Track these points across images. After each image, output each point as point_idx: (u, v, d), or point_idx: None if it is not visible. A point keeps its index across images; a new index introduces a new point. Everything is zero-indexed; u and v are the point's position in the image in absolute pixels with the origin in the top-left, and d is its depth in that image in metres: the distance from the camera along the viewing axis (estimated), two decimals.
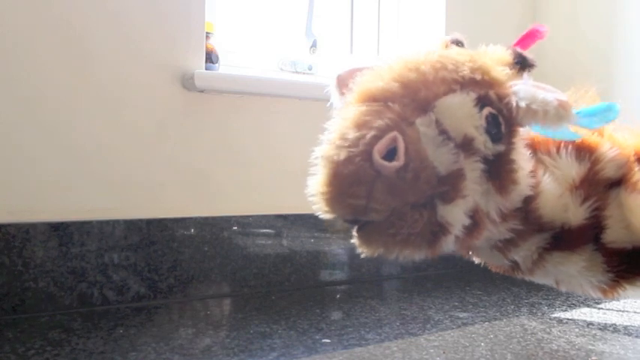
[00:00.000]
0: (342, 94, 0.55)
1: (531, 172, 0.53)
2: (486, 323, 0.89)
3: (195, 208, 1.06)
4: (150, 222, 1.01)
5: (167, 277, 1.02)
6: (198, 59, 1.07)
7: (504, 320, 0.91)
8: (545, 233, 0.55)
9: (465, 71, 0.50)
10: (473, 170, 0.48)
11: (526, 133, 0.54)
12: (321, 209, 0.47)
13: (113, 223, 0.98)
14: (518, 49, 0.55)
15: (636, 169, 0.57)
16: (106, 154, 0.99)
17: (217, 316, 0.97)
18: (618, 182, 0.56)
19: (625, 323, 0.90)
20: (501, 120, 0.49)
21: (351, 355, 0.74)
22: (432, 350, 0.76)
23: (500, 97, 0.50)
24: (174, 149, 1.05)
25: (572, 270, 0.56)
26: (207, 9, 1.09)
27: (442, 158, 0.46)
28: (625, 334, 0.85)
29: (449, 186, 0.47)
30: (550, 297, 1.08)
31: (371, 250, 0.49)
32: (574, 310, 0.98)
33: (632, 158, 0.58)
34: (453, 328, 0.87)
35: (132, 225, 0.99)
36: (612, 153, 0.57)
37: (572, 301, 1.05)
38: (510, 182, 0.50)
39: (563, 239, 0.55)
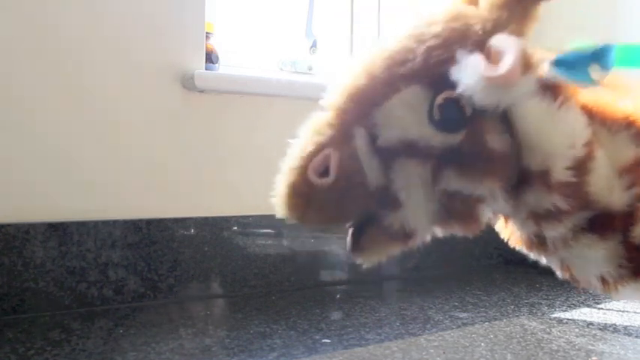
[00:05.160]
0: None
1: (588, 143, 0.49)
2: (486, 323, 0.89)
3: (195, 208, 1.06)
4: (150, 222, 1.01)
5: (167, 277, 1.02)
6: (198, 59, 1.07)
7: (504, 320, 0.91)
8: (586, 213, 0.53)
9: (417, 59, 0.47)
10: (416, 173, 0.48)
11: (582, 92, 0.50)
12: (276, 210, 0.52)
13: (113, 223, 0.98)
14: None
15: None
16: (105, 154, 0.99)
17: (217, 316, 0.97)
18: None
19: (625, 323, 0.90)
20: (462, 102, 0.46)
21: (351, 355, 0.74)
22: (432, 350, 0.76)
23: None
24: (174, 149, 1.05)
25: (596, 256, 0.53)
26: (207, 9, 1.09)
27: (372, 172, 0.48)
28: (625, 334, 0.85)
29: (387, 195, 0.48)
30: (550, 297, 1.08)
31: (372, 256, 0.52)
32: (574, 310, 0.98)
33: None
34: (453, 328, 0.87)
35: (132, 225, 0.99)
36: None
37: (572, 301, 1.06)
38: (482, 167, 0.48)
39: (600, 223, 0.52)
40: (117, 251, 0.98)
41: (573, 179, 0.49)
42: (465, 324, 0.89)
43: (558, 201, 0.50)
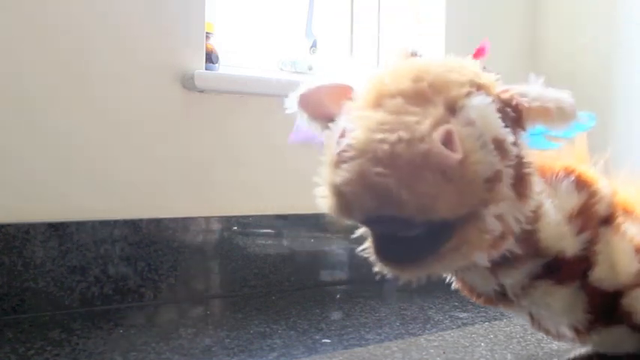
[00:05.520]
0: (308, 114, 0.52)
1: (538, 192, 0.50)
2: (486, 323, 0.89)
3: (195, 208, 1.06)
4: (150, 222, 1.01)
5: (167, 277, 1.02)
6: (198, 59, 1.07)
7: (504, 320, 0.91)
8: (540, 259, 0.53)
9: (470, 74, 0.46)
10: (506, 175, 0.44)
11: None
12: (356, 206, 0.41)
13: (113, 223, 0.98)
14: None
15: (620, 210, 0.57)
16: (106, 154, 0.99)
17: (217, 316, 0.97)
18: (606, 220, 0.56)
19: None
20: (509, 123, 0.45)
21: (351, 355, 0.74)
22: (432, 350, 0.76)
23: (504, 100, 0.46)
24: (174, 149, 1.05)
25: (558, 304, 0.54)
26: (207, 9, 1.09)
27: (485, 159, 0.42)
28: None
29: (488, 189, 0.43)
30: None
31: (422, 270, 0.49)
32: None
33: (615, 199, 0.57)
34: (453, 328, 0.87)
35: (132, 225, 0.99)
36: (607, 189, 0.56)
37: None
38: (529, 188, 0.47)
39: (556, 269, 0.53)
40: (117, 251, 0.98)
41: (528, 226, 0.49)
42: (465, 324, 0.89)
43: (513, 246, 0.49)
